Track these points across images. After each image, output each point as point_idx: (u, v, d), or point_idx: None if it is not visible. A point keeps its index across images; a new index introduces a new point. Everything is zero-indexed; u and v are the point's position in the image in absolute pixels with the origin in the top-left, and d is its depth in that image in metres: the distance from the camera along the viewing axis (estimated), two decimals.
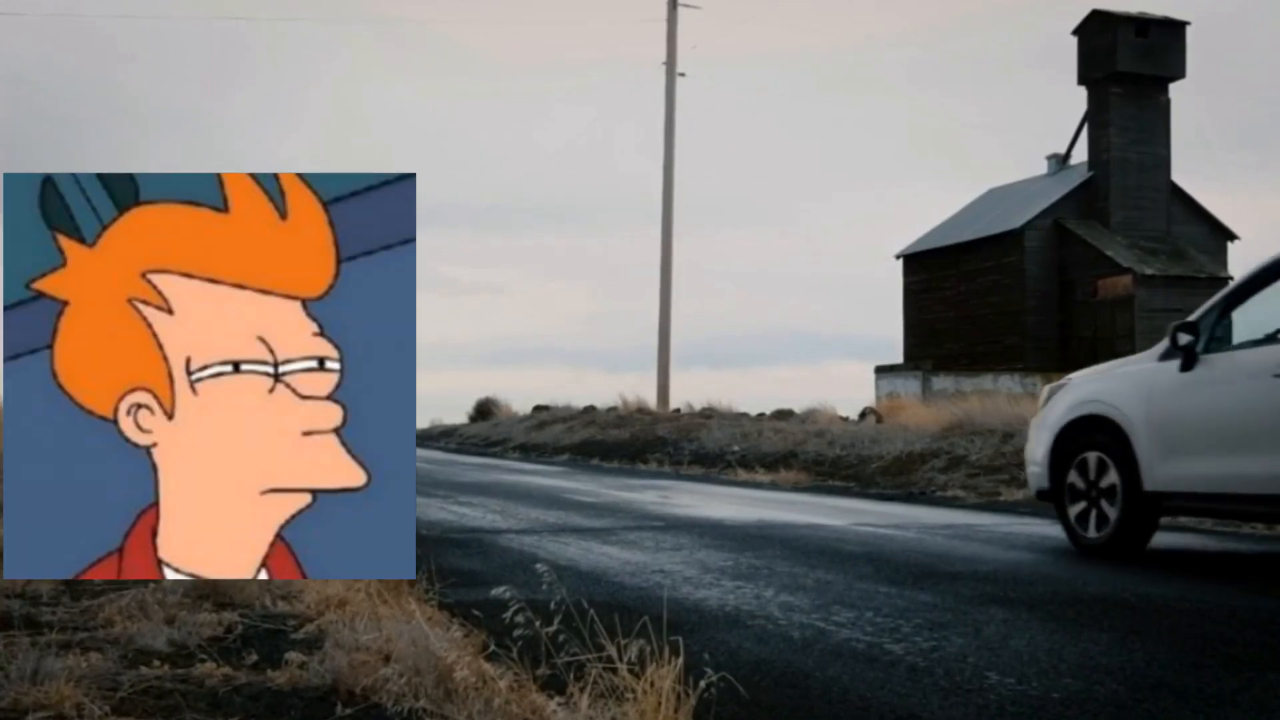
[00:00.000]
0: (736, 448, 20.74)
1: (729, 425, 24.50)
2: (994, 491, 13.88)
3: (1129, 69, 41.75)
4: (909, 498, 14.10)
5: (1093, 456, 7.95)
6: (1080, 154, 44.61)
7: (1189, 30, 42.66)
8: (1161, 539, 8.57)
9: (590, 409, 30.16)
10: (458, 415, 38.42)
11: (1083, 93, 43.37)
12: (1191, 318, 7.51)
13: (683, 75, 30.45)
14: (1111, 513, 7.77)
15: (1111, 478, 7.78)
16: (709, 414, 27.72)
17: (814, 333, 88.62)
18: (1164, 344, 7.62)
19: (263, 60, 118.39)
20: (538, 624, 4.12)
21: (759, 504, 12.68)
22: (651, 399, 28.81)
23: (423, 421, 41.22)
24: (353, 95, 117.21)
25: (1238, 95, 74.94)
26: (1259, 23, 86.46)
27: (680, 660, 3.70)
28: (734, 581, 6.76)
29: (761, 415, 28.83)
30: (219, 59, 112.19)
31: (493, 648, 4.43)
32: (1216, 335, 7.46)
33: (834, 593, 6.37)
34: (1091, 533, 7.96)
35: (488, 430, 31.47)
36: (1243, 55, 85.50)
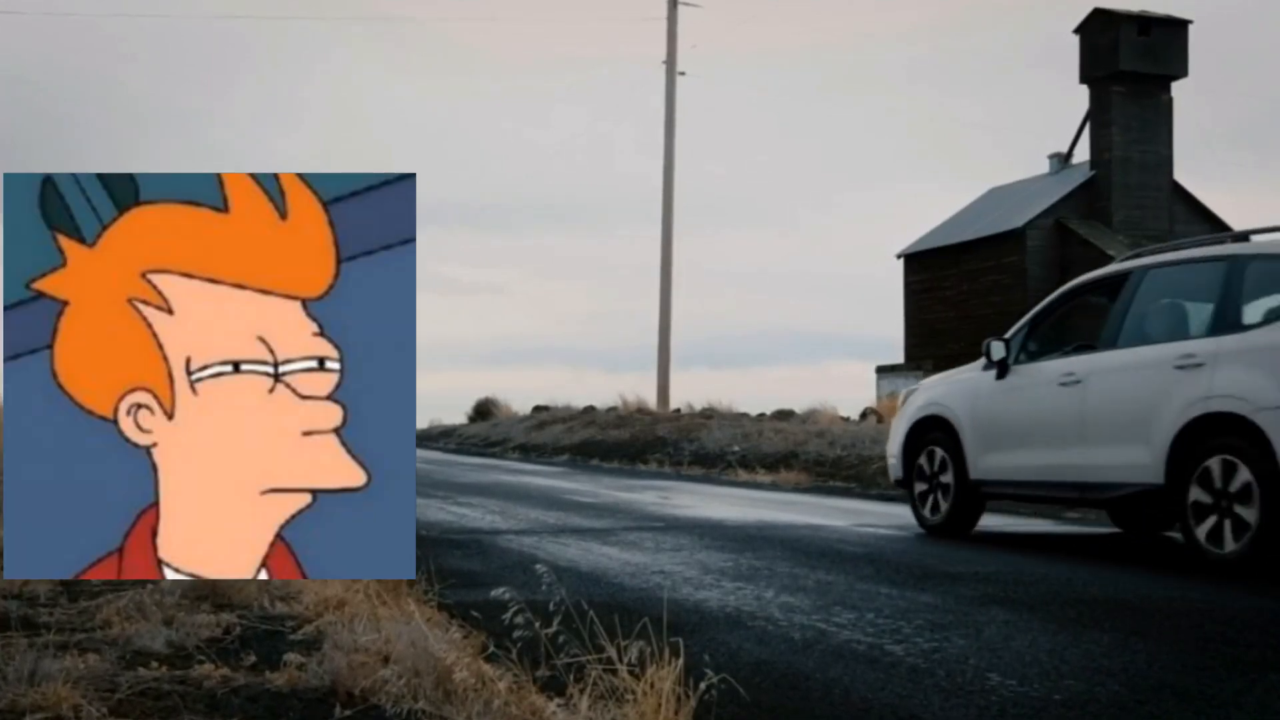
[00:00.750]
0: (737, 448, 20.73)
1: (729, 425, 24.46)
2: None
3: (1131, 68, 41.58)
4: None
5: (932, 450, 9.39)
6: (1082, 153, 44.40)
7: (1191, 29, 42.69)
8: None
9: (590, 409, 30.13)
10: (457, 415, 38.36)
11: (1084, 91, 43.22)
12: (1006, 335, 8.98)
13: (683, 74, 30.33)
14: (946, 498, 9.21)
15: (947, 468, 9.20)
16: (709, 414, 27.68)
17: (814, 333, 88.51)
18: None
19: (262, 59, 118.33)
20: (537, 625, 4.11)
21: (760, 505, 12.66)
22: (651, 399, 28.79)
23: (422, 422, 41.17)
24: (352, 94, 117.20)
25: (1240, 94, 74.78)
26: (1262, 21, 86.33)
27: (680, 661, 3.69)
28: (734, 582, 6.75)
29: (762, 415, 28.77)
30: (218, 58, 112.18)
31: (492, 649, 4.42)
32: (1028, 349, 8.87)
33: (835, 594, 6.36)
34: (931, 515, 9.39)
35: (487, 430, 31.42)
36: (1245, 54, 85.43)
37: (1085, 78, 42.99)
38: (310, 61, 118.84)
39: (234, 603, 5.35)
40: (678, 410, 29.37)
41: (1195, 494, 7.25)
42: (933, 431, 9.45)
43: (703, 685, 3.67)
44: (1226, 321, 7.38)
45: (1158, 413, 7.49)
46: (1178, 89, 42.92)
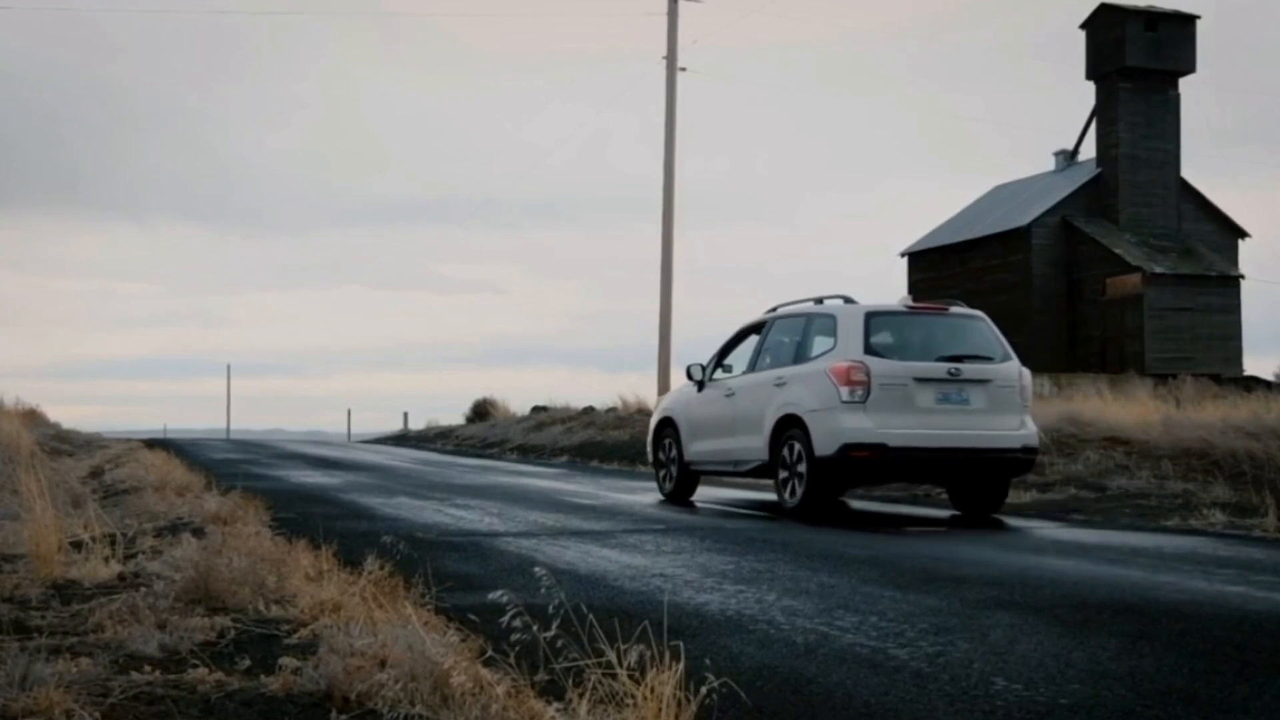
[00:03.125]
0: None
1: None
2: None
3: (1138, 63, 41.25)
4: (914, 500, 14.02)
5: (666, 441, 13.57)
6: (1088, 150, 43.99)
7: (1199, 24, 42.35)
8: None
9: (589, 409, 30.08)
10: (454, 416, 38.25)
11: (1091, 87, 42.96)
12: (703, 361, 13.10)
13: (684, 70, 30.03)
14: (674, 472, 13.34)
15: (674, 453, 13.35)
16: None
17: None
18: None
19: (255, 54, 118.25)
20: (536, 629, 4.06)
21: (761, 506, 12.60)
22: (652, 399, 28.64)
23: (418, 422, 41.16)
24: (347, 90, 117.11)
25: (1249, 90, 74.54)
26: (1270, 16, 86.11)
27: (681, 666, 3.65)
28: (736, 585, 6.69)
29: None
30: (211, 52, 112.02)
31: (490, 653, 4.36)
32: (716, 372, 12.94)
33: (838, 597, 6.30)
34: (666, 485, 13.52)
35: (485, 431, 31.35)
36: (1254, 49, 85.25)
37: (1092, 73, 42.68)
38: (304, 57, 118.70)
39: (228, 606, 5.30)
40: None
41: (780, 465, 11.27)
42: (666, 429, 13.55)
43: (704, 690, 3.62)
44: (799, 356, 11.58)
45: (765, 414, 11.52)
46: (1185, 85, 42.64)
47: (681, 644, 3.94)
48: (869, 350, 10.82)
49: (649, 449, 14.11)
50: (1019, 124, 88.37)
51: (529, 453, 26.06)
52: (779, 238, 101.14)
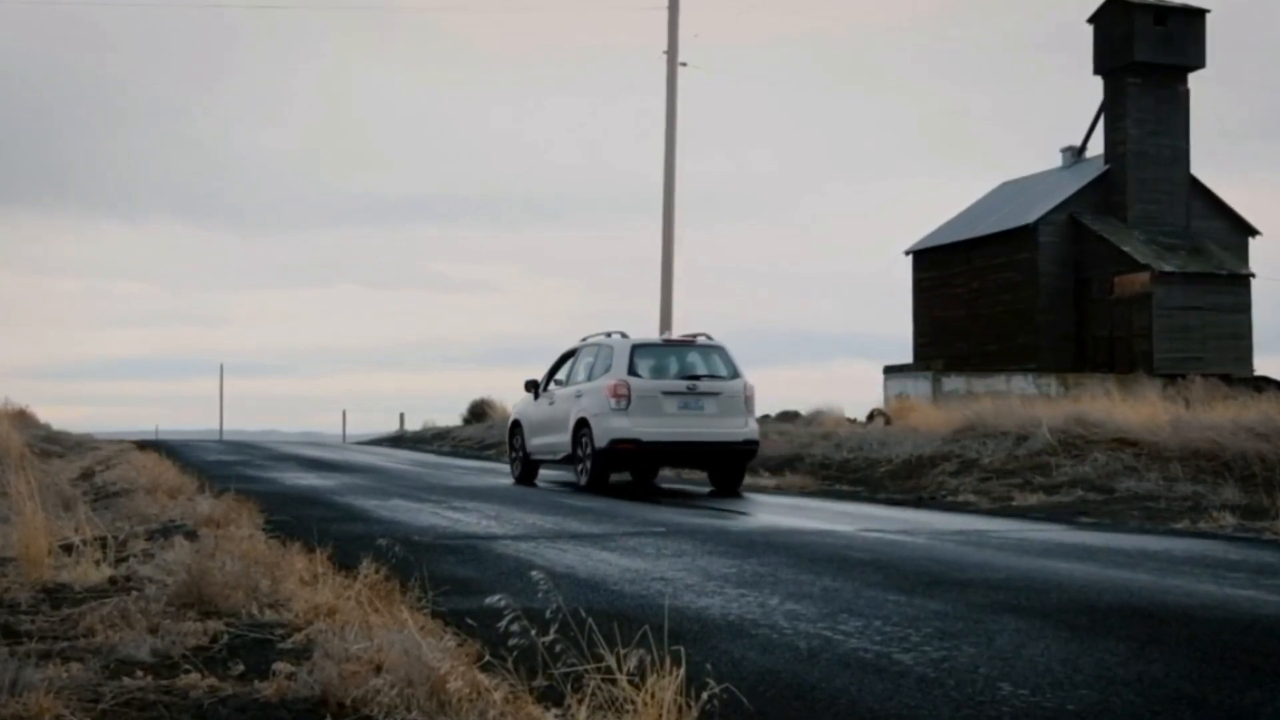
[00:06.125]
0: None
1: None
2: (1007, 496, 13.73)
3: (1147, 58, 40.89)
4: (919, 502, 13.96)
5: (515, 438, 17.48)
6: (1096, 146, 43.60)
7: (1209, 18, 41.99)
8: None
9: None
10: (451, 417, 38.05)
11: (1099, 83, 42.70)
12: (537, 378, 17.11)
13: (684, 65, 29.77)
14: (519, 463, 17.24)
15: (520, 447, 17.22)
16: None
17: (820, 331, 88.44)
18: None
19: (249, 49, 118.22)
20: (534, 633, 4.01)
21: (763, 508, 12.55)
22: None
23: (415, 423, 41.05)
24: (342, 85, 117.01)
25: (1259, 85, 74.04)
26: None
27: (682, 671, 3.60)
28: (737, 589, 6.63)
29: (766, 417, 28.65)
30: (204, 47, 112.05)
31: (487, 658, 4.31)
32: (548, 383, 16.89)
33: (841, 601, 6.23)
34: (514, 471, 17.42)
35: (482, 432, 31.20)
36: (1265, 44, 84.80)
37: (1099, 69, 42.39)
38: (298, 52, 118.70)
39: (221, 610, 5.24)
40: None
41: (579, 454, 15.24)
42: (516, 428, 17.49)
43: (705, 696, 3.56)
44: (590, 375, 15.56)
45: (569, 417, 15.53)
46: (1195, 80, 42.24)
47: (682, 649, 3.90)
48: (631, 372, 14.99)
49: (506, 444, 18.47)
50: (1025, 120, 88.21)
51: None
52: (782, 235, 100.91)
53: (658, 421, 14.69)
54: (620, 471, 15.74)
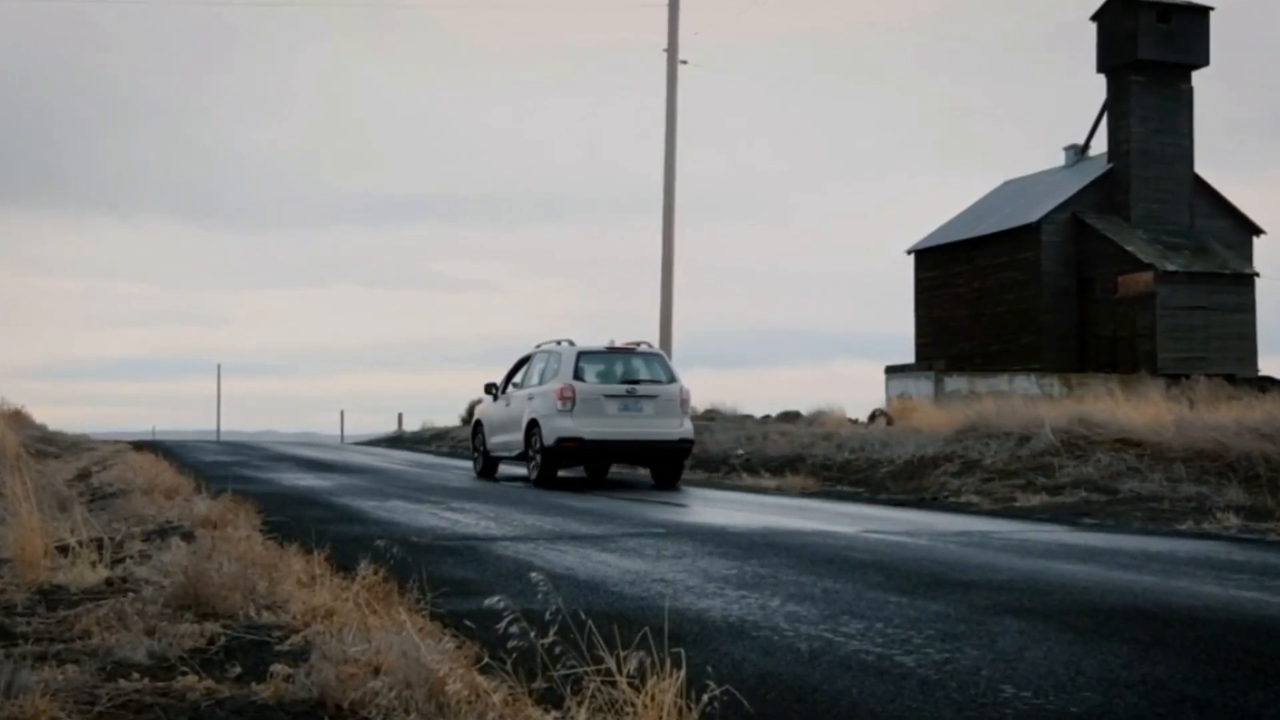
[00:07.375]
0: (741, 451, 20.58)
1: (733, 427, 24.35)
2: (1009, 497, 13.69)
3: (1150, 56, 40.69)
4: (920, 503, 13.92)
5: (477, 435, 18.77)
6: (1099, 144, 43.36)
7: (1213, 16, 41.82)
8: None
9: None
10: (450, 417, 37.88)
11: (1102, 80, 42.50)
12: (496, 381, 18.58)
13: (684, 63, 29.63)
14: (481, 459, 18.49)
15: (482, 445, 18.44)
16: (712, 416, 27.57)
17: (821, 331, 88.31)
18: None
19: (246, 46, 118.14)
20: (533, 635, 3.98)
21: (764, 510, 12.52)
22: None
23: (413, 423, 40.99)
24: (341, 84, 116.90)
25: (1264, 83, 73.74)
26: None
27: (682, 673, 3.58)
28: (738, 591, 6.60)
29: (767, 417, 28.64)
30: (201, 44, 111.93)
31: (486, 660, 4.28)
32: (506, 386, 18.11)
33: (843, 602, 6.20)
34: (476, 467, 18.74)
35: None
36: (1269, 42, 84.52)
37: (1103, 66, 42.22)
38: (297, 51, 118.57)
39: (218, 612, 5.21)
40: None
41: (530, 451, 16.54)
42: (479, 428, 18.80)
43: (705, 697, 3.54)
44: (542, 379, 16.88)
45: (522, 418, 16.85)
46: (1198, 78, 42.06)
47: (683, 651, 3.87)
48: (577, 376, 16.39)
49: (469, 441, 19.90)
50: (1028, 118, 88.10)
51: None
52: (783, 234, 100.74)
53: (600, 422, 16.11)
54: (567, 468, 17.18)
